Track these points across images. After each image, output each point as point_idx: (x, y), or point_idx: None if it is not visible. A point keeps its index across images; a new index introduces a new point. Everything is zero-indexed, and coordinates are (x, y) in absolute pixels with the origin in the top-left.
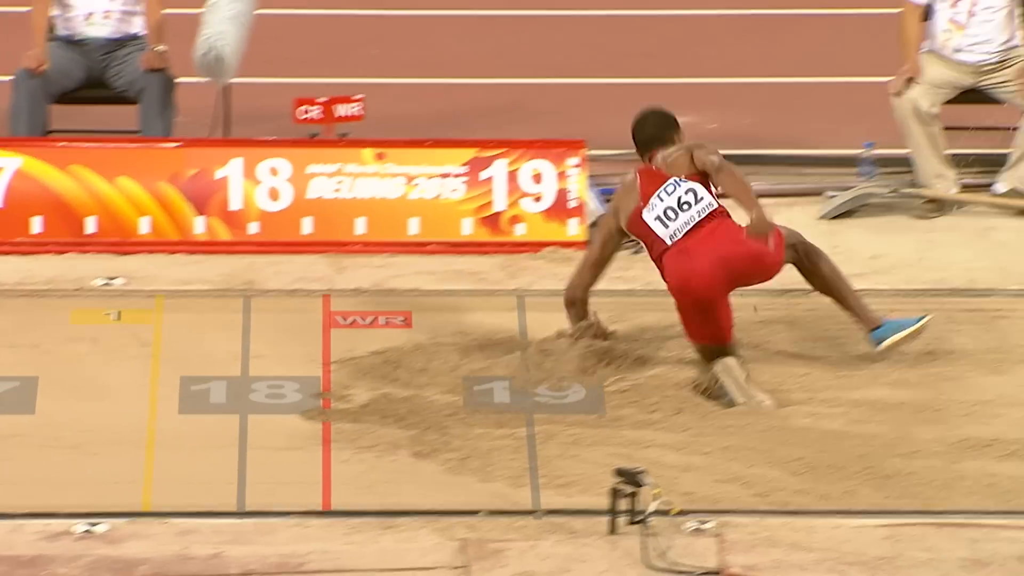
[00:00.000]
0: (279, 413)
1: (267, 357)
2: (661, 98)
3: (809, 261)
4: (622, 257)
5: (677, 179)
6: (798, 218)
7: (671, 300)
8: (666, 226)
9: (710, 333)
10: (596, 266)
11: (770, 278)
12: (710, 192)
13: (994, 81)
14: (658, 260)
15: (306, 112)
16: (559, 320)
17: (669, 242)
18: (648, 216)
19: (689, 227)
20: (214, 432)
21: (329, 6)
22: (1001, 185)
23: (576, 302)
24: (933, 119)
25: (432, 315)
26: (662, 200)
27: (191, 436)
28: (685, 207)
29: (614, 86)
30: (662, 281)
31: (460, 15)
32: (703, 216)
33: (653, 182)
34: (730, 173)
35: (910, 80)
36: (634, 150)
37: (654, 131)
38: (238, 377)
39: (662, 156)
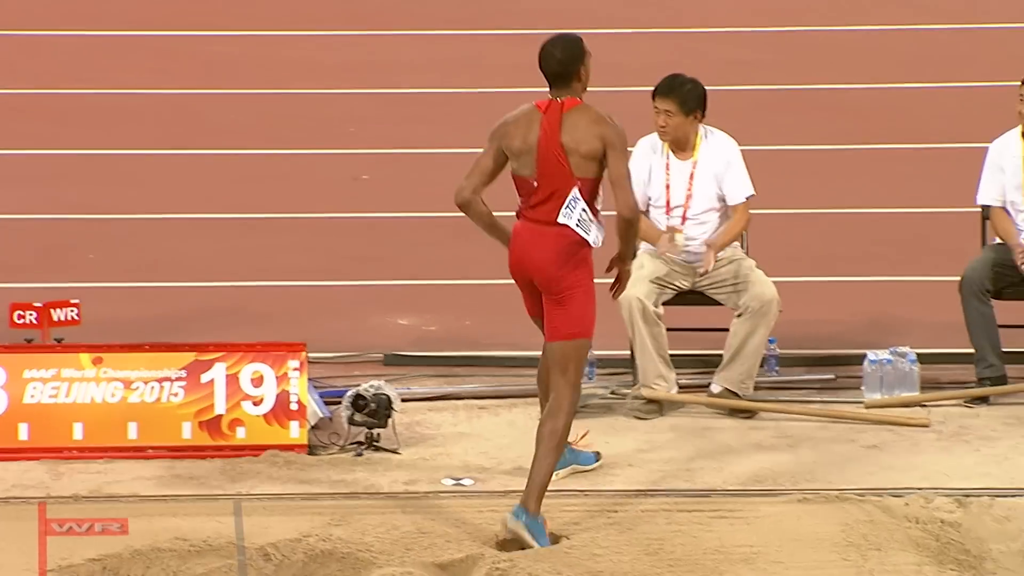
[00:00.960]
0: None
1: None
2: (382, 300)
3: (556, 403)
4: (343, 460)
5: (575, 197)
6: (520, 420)
7: (398, 502)
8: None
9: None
10: (486, 175)
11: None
12: (595, 201)
13: (710, 282)
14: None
15: (21, 317)
16: (279, 524)
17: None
18: (567, 219)
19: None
20: None
21: (44, 211)
22: (715, 386)
23: (469, 203)
24: (658, 319)
25: (150, 521)
26: (572, 210)
27: None
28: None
29: (333, 288)
30: (387, 485)
31: (176, 218)
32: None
33: (553, 132)
34: (625, 193)
35: (672, 236)
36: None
37: (558, 67)
38: None
39: (571, 120)
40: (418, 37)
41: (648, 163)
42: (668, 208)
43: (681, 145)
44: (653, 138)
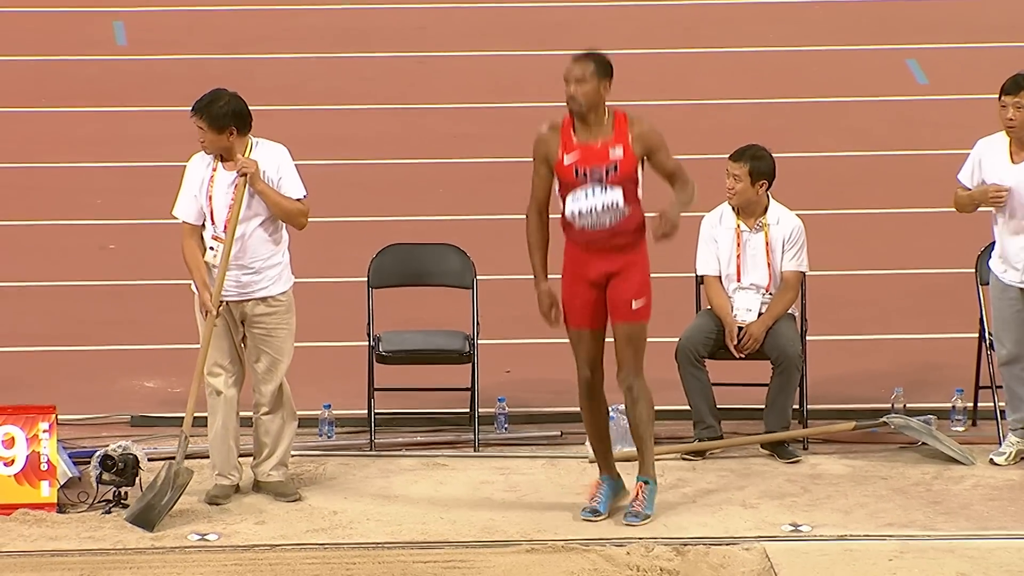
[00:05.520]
0: None
1: None
2: (129, 364)
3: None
4: (92, 518)
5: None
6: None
7: (145, 557)
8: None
9: None
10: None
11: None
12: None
13: None
14: None
15: None
16: None
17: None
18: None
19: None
20: None
21: None
22: None
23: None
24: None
25: None
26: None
27: None
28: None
29: (82, 352)
30: (134, 541)
31: None
32: None
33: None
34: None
35: None
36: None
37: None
38: None
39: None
40: (156, 114)
41: None
42: None
43: None
44: None
